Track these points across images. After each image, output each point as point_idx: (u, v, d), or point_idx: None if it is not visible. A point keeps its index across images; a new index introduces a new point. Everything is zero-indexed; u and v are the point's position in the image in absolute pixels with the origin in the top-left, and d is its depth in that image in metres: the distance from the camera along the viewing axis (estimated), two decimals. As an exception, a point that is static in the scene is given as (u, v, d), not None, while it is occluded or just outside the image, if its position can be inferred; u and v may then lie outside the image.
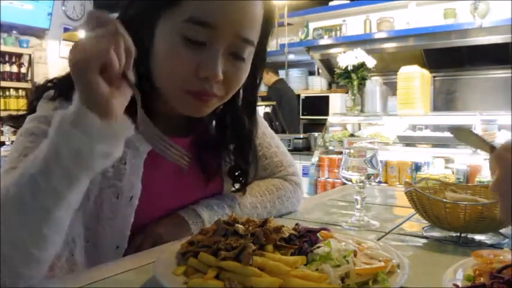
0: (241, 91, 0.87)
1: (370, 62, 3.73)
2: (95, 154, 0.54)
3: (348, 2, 4.54)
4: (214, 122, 0.93)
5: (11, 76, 4.94)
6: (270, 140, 1.09)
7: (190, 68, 0.72)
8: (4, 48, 4.85)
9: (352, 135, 3.89)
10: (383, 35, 4.18)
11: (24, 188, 0.55)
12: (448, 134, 3.29)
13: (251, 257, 0.57)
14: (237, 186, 0.98)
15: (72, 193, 0.56)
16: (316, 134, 4.41)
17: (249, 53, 0.77)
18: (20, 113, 0.81)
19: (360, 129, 4.01)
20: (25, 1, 4.91)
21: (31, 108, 0.78)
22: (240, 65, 0.76)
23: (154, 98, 0.79)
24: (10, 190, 0.55)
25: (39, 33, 5.23)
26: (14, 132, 0.80)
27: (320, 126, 4.17)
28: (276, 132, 1.17)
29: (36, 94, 0.80)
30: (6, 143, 3.92)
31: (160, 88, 0.78)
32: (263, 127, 1.05)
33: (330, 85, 4.90)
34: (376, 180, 1.00)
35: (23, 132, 0.73)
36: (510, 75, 3.82)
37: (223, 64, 0.73)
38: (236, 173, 0.95)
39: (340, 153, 3.37)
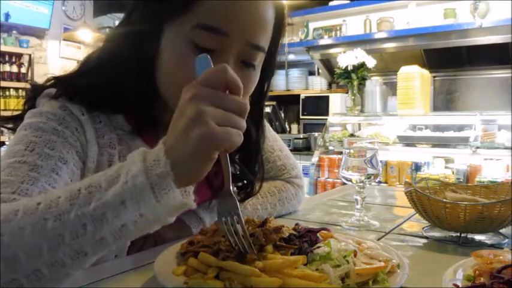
0: (248, 100, 0.85)
1: (370, 62, 3.73)
2: (159, 223, 0.52)
3: (348, 2, 4.54)
4: None
5: (11, 76, 4.93)
6: (273, 143, 1.08)
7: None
8: (4, 48, 4.84)
9: (352, 135, 3.90)
10: (383, 35, 4.17)
11: (66, 228, 0.48)
12: (448, 134, 3.29)
13: (259, 254, 0.58)
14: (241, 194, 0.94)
15: (117, 244, 0.51)
16: (316, 134, 4.42)
17: (260, 59, 0.74)
18: (16, 113, 0.79)
19: (360, 129, 4.01)
20: (27, 1, 4.91)
21: (29, 106, 0.76)
22: (250, 72, 0.73)
23: (160, 107, 0.77)
24: (49, 222, 0.48)
25: (39, 33, 5.22)
26: (13, 132, 0.76)
27: (320, 126, 4.17)
28: (276, 132, 1.16)
29: (34, 92, 0.78)
30: (6, 142, 3.92)
31: (166, 97, 0.75)
32: (265, 130, 1.01)
33: (330, 85, 4.90)
34: (376, 180, 1.00)
35: (27, 125, 0.70)
36: (510, 75, 3.83)
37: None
38: (241, 184, 0.93)
39: (340, 153, 3.38)
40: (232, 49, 0.69)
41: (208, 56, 0.57)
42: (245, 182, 0.93)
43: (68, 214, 0.49)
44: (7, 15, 4.80)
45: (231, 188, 0.59)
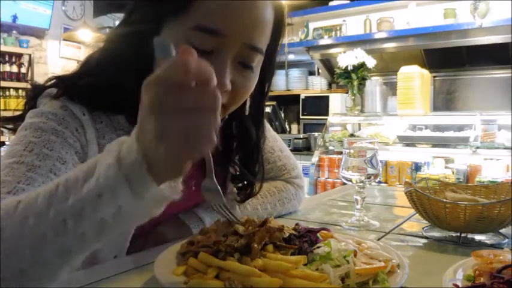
0: (248, 100, 0.84)
1: (370, 62, 3.73)
2: (139, 216, 0.50)
3: (348, 2, 4.54)
4: (220, 133, 0.90)
5: (11, 76, 4.93)
6: (273, 144, 1.08)
7: None
8: (4, 48, 4.84)
9: (352, 135, 3.90)
10: (383, 35, 4.18)
11: (47, 225, 0.48)
12: (448, 134, 3.29)
13: (260, 252, 0.58)
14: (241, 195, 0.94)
15: (99, 241, 0.51)
16: (316, 134, 4.42)
17: (258, 61, 0.74)
18: (16, 113, 0.79)
19: (360, 129, 4.01)
20: (27, 1, 4.92)
21: (30, 106, 0.76)
22: (248, 74, 0.73)
23: None
24: (29, 220, 0.48)
25: (39, 33, 5.22)
26: (14, 132, 0.76)
27: (320, 126, 4.17)
28: (276, 132, 1.16)
29: (35, 92, 0.78)
30: (7, 143, 3.92)
31: None
32: (265, 130, 1.00)
33: (330, 85, 4.90)
34: (376, 180, 1.00)
35: (27, 125, 0.70)
36: (510, 75, 3.82)
37: (231, 73, 0.70)
38: (241, 184, 0.93)
39: (340, 153, 3.37)
40: (230, 51, 0.69)
41: (167, 40, 0.49)
42: (245, 182, 0.93)
43: (48, 211, 0.48)
44: (15, 17, 4.83)
45: (213, 174, 0.61)
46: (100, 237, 0.50)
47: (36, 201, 0.49)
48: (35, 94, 0.77)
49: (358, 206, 1.00)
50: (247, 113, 0.87)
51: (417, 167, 3.30)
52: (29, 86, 0.83)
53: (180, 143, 0.44)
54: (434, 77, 4.23)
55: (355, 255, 0.60)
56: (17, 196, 0.60)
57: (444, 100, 4.31)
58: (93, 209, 0.47)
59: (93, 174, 0.48)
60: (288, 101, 5.04)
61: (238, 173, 0.92)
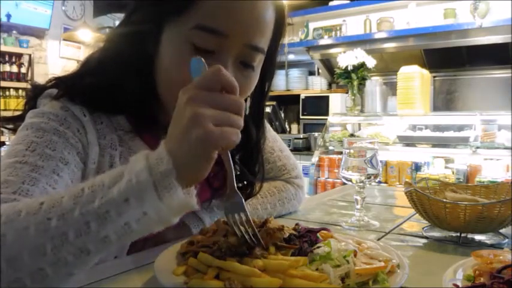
0: (248, 100, 0.84)
1: (370, 62, 3.73)
2: (162, 222, 0.52)
3: (348, 2, 4.54)
4: None
5: (11, 76, 4.93)
6: (273, 144, 1.08)
7: None
8: (4, 48, 4.84)
9: (352, 135, 3.90)
10: (383, 35, 4.18)
11: (70, 227, 0.49)
12: (448, 134, 3.29)
13: (260, 257, 0.58)
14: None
15: (120, 243, 0.52)
16: (316, 134, 4.42)
17: (259, 61, 0.74)
18: (16, 113, 0.78)
19: (360, 129, 4.01)
20: (27, 1, 4.92)
21: (30, 106, 0.76)
22: (249, 73, 0.74)
23: (160, 108, 0.77)
24: (53, 220, 0.49)
25: (39, 33, 5.22)
26: (14, 132, 0.76)
27: (320, 126, 4.17)
28: (276, 132, 1.16)
29: (35, 92, 0.77)
30: (7, 143, 3.92)
31: (164, 98, 0.75)
32: (266, 130, 0.99)
33: (330, 85, 4.90)
34: (376, 180, 1.00)
35: (29, 125, 0.70)
36: (510, 75, 3.82)
37: (232, 73, 0.70)
38: (241, 184, 0.92)
39: (340, 153, 3.37)
40: (231, 50, 0.69)
41: (202, 59, 0.57)
42: (245, 182, 0.93)
43: (72, 212, 0.49)
44: (8, 16, 4.82)
45: (235, 185, 0.60)
46: (121, 241, 0.51)
47: (60, 202, 0.50)
48: (35, 94, 0.77)
49: (358, 206, 1.00)
50: (247, 113, 0.87)
51: (417, 167, 3.31)
52: (29, 86, 0.83)
53: (210, 127, 0.50)
54: (434, 77, 4.23)
55: (355, 255, 0.60)
56: (23, 196, 0.61)
57: (444, 100, 4.31)
58: (118, 213, 0.49)
59: (121, 179, 0.50)
60: (288, 101, 5.04)
61: (238, 173, 0.92)
